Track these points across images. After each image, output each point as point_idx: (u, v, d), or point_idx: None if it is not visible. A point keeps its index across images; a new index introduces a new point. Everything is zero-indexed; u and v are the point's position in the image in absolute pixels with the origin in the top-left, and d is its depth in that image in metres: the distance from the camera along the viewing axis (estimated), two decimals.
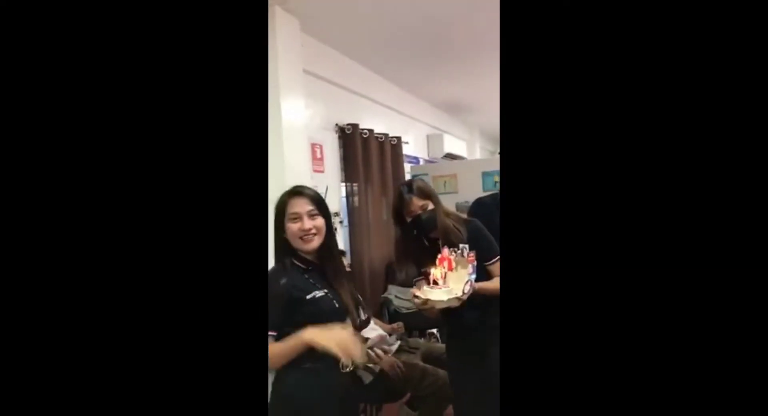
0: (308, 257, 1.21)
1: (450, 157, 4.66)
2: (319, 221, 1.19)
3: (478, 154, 6.09)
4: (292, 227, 1.17)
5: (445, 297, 1.24)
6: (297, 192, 1.20)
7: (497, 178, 3.62)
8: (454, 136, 5.06)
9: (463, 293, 1.24)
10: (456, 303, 1.25)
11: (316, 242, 1.18)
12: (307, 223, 1.16)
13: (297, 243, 1.18)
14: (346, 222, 2.92)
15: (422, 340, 2.33)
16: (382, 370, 1.97)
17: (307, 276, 1.19)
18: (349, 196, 2.91)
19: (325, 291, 1.20)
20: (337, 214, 2.80)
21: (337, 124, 2.85)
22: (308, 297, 1.16)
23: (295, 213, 1.17)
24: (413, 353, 2.16)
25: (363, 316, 1.42)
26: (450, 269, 1.29)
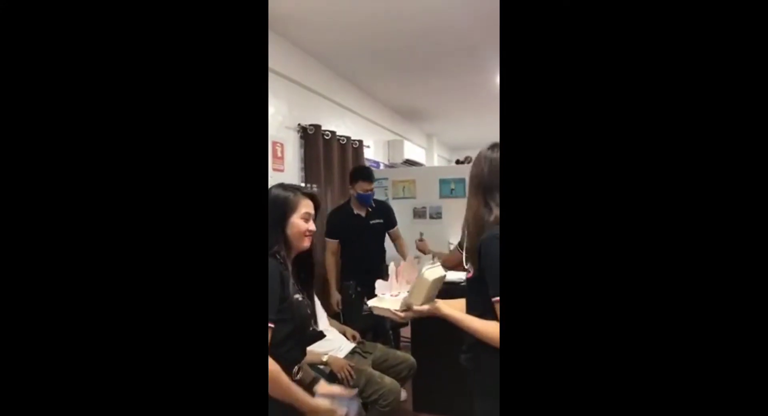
0: (288, 259, 1.23)
1: (409, 163, 4.72)
2: (314, 225, 1.27)
3: (435, 162, 6.21)
4: (302, 225, 1.22)
5: (378, 305, 1.22)
6: (311, 194, 1.28)
7: (454, 185, 3.71)
8: (413, 143, 5.14)
9: (398, 310, 1.16)
10: (389, 315, 1.19)
11: (309, 242, 1.26)
12: (312, 225, 1.24)
13: (299, 242, 1.23)
14: None
15: (380, 345, 2.34)
16: (332, 372, 1.97)
17: (289, 276, 1.21)
18: None
19: (302, 295, 1.24)
20: None
21: (299, 124, 2.83)
22: (295, 297, 1.20)
23: (308, 214, 1.24)
24: (364, 357, 2.17)
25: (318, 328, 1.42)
26: (396, 276, 1.28)
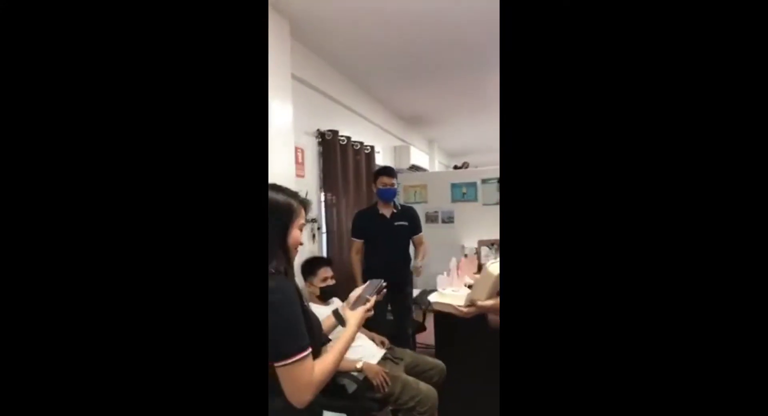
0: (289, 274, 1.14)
1: (415, 168, 4.72)
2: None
3: (437, 167, 6.22)
4: (299, 237, 1.12)
5: (440, 300, 1.22)
6: (308, 202, 1.17)
7: (465, 190, 3.72)
8: (417, 148, 5.15)
9: (461, 306, 1.18)
10: (450, 310, 1.20)
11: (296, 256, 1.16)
12: (302, 236, 1.15)
13: (294, 254, 1.13)
14: (324, 230, 2.87)
15: (409, 351, 2.31)
16: (366, 378, 1.94)
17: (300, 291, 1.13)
18: (327, 201, 2.87)
19: None
20: (314, 221, 2.76)
21: (318, 129, 2.81)
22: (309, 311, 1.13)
23: (303, 224, 1.14)
24: (396, 363, 2.14)
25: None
26: (457, 272, 1.26)
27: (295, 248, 1.12)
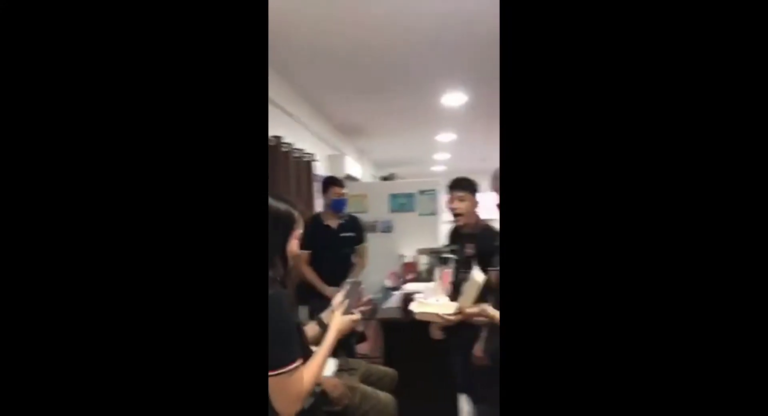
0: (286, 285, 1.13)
1: (349, 178, 4.71)
2: None
3: (369, 178, 6.26)
4: (296, 246, 1.11)
5: (424, 309, 1.23)
6: (303, 212, 1.15)
7: (404, 200, 3.78)
8: (351, 158, 5.14)
9: (449, 314, 1.21)
10: (434, 319, 1.23)
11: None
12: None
13: (289, 264, 1.11)
14: None
15: (363, 361, 2.27)
16: (323, 392, 1.87)
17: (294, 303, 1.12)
18: None
19: None
20: None
21: None
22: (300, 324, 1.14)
23: (300, 234, 1.12)
24: (352, 374, 2.09)
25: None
26: (443, 281, 1.29)
27: (291, 259, 1.10)
